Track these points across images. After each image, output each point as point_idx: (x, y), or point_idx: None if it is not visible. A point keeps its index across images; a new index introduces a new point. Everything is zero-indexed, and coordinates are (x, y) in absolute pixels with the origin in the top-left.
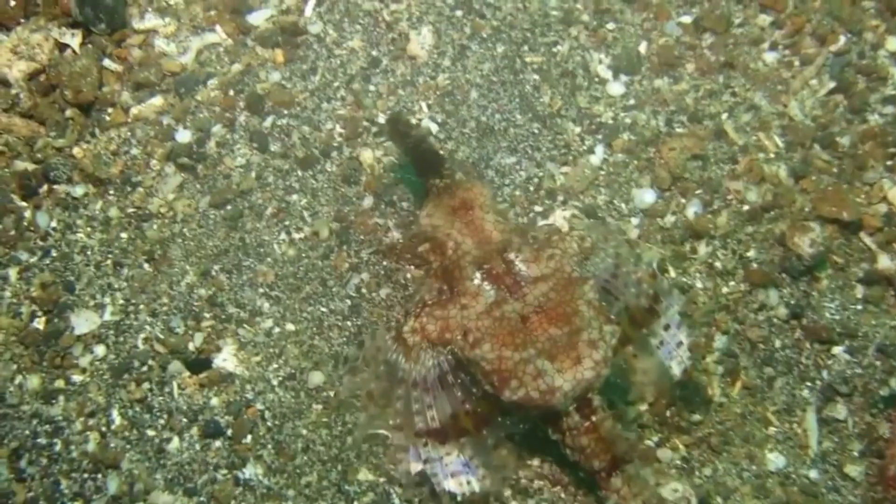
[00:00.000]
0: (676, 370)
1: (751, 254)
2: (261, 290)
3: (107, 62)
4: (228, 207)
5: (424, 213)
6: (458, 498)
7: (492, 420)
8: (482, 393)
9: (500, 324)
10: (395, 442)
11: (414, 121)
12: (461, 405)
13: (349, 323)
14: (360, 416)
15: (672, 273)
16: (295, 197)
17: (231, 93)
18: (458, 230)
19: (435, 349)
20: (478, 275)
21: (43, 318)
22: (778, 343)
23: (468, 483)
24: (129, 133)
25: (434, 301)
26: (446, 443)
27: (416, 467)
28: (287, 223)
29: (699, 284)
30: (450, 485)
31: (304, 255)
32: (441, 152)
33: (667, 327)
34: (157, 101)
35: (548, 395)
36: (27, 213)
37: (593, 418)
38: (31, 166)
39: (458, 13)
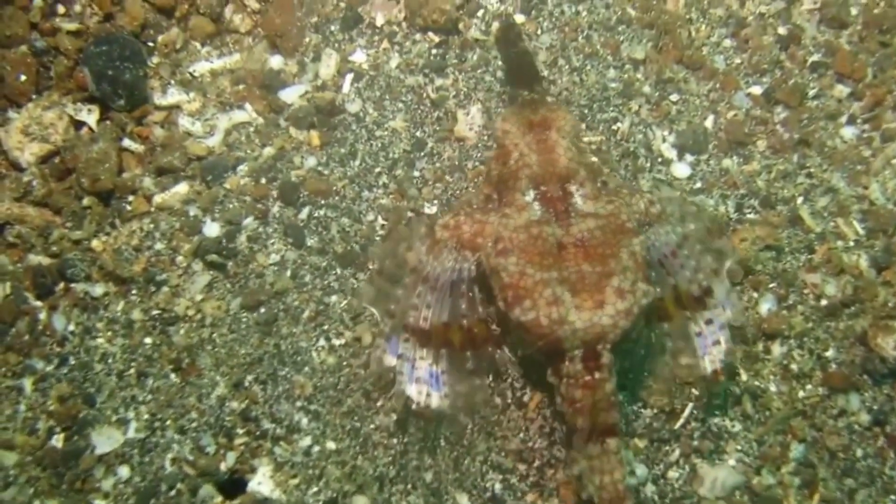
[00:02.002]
0: (707, 367)
1: (829, 354)
2: (298, 404)
3: (126, 142)
4: (262, 310)
5: (501, 118)
6: (413, 406)
7: (481, 346)
8: (486, 313)
9: (534, 241)
10: (382, 328)
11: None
12: (459, 318)
13: (395, 440)
14: (363, 285)
15: (744, 376)
16: (334, 298)
17: (263, 180)
18: (527, 143)
19: (461, 253)
20: (531, 192)
21: (61, 436)
22: (859, 452)
23: (427, 395)
24: (152, 225)
25: (479, 206)
26: (426, 347)
27: (390, 360)
28: (326, 328)
29: (773, 388)
30: (411, 389)
31: (345, 363)
32: (539, 71)
33: (709, 322)
34: (183, 188)
35: (556, 326)
36: (42, 315)
37: (596, 374)
38: (45, 260)
39: (510, 89)
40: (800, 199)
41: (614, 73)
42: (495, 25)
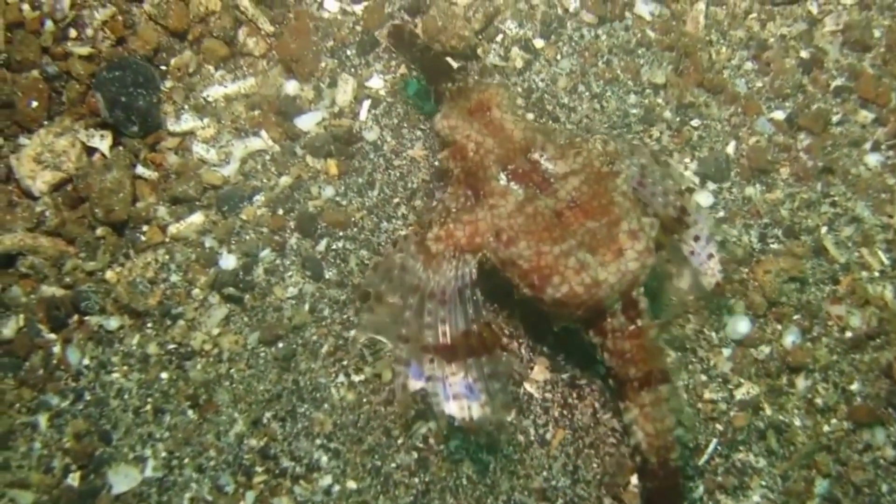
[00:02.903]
0: (710, 282)
1: (854, 387)
2: (318, 442)
3: (140, 169)
4: (280, 345)
5: (439, 116)
6: (456, 423)
7: (492, 350)
8: (489, 315)
9: (533, 220)
10: (398, 354)
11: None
12: (471, 324)
13: (416, 479)
14: (364, 315)
15: (768, 410)
16: (353, 332)
17: (280, 211)
18: (478, 130)
19: (460, 259)
20: (503, 175)
21: (77, 474)
22: (885, 487)
23: (469, 408)
24: (167, 256)
25: (459, 208)
26: (453, 362)
27: (415, 385)
28: (345, 363)
29: (798, 422)
30: (451, 407)
31: (364, 400)
32: (448, 59)
33: (696, 238)
34: (198, 218)
35: (593, 289)
36: (56, 349)
37: (639, 322)
38: (59, 291)
39: (530, 116)
40: (824, 229)
41: (635, 98)
42: (387, 31)
